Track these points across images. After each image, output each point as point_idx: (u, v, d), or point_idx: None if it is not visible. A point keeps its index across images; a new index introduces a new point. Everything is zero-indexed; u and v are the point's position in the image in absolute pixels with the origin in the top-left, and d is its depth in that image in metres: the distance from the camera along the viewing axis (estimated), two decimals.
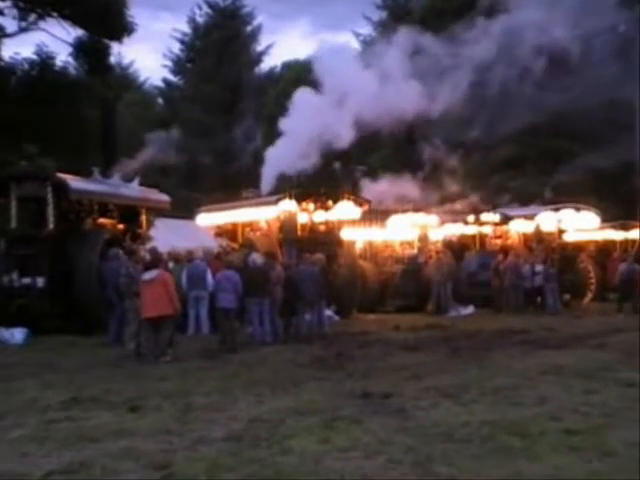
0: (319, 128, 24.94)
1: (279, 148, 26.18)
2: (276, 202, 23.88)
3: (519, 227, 29.87)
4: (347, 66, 26.24)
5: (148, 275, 14.99)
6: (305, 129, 25.14)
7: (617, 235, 32.28)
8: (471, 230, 30.00)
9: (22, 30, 32.08)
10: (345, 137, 25.43)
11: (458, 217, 30.27)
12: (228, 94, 51.91)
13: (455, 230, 30.23)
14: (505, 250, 27.37)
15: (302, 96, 26.28)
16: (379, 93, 25.12)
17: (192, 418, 9.43)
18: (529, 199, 33.94)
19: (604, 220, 31.04)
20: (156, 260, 16.09)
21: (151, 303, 14.71)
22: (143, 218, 23.50)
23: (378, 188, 30.19)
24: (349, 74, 25.71)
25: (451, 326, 20.65)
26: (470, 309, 25.79)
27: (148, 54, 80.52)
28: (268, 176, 26.34)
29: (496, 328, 19.52)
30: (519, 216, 29.67)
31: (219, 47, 54.06)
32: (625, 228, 32.29)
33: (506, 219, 29.70)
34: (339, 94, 25.33)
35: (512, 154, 41.25)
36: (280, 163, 25.75)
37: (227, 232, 25.90)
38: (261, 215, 24.86)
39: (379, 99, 24.86)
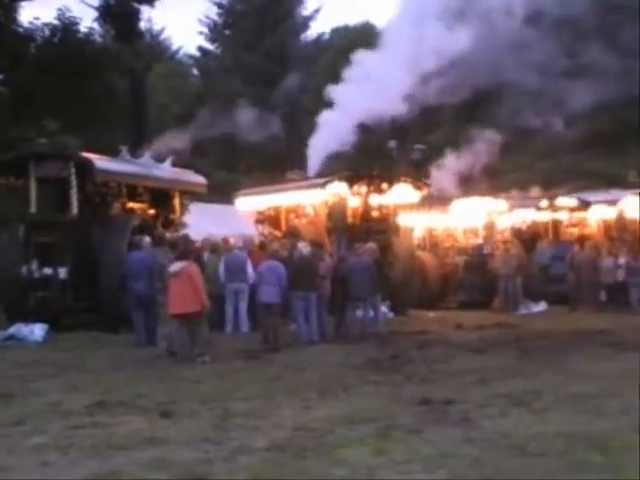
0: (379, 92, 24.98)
1: (331, 121, 26.18)
2: (324, 185, 23.81)
3: (599, 214, 29.52)
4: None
5: (174, 267, 15.11)
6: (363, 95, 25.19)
7: None
8: (544, 217, 29.70)
9: None
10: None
11: (529, 202, 29.98)
12: (271, 64, 51.93)
13: (526, 217, 29.95)
14: (582, 240, 27.04)
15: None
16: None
17: (231, 425, 9.48)
18: (610, 182, 33.57)
19: None
20: (185, 250, 16.19)
21: (177, 298, 14.84)
22: (176, 202, 23.66)
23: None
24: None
25: (521, 325, 20.48)
26: (542, 306, 25.54)
27: (182, 19, 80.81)
28: (316, 154, 26.36)
29: (573, 328, 19.30)
30: (599, 201, 29.31)
31: (261, 11, 54.09)
32: None
33: (584, 205, 29.36)
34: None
35: (589, 130, 40.71)
36: (331, 139, 25.80)
37: (269, 218, 25.89)
38: (307, 200, 24.82)
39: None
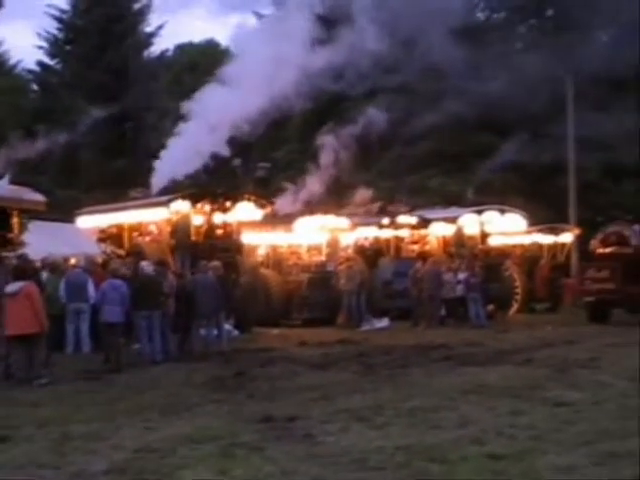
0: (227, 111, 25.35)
1: (178, 142, 26.29)
2: (167, 203, 23.67)
3: (439, 231, 30.19)
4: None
5: (11, 288, 14.72)
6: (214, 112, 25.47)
7: (545, 239, 32.91)
8: (386, 234, 30.17)
9: None
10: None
11: (371, 220, 30.42)
12: (114, 81, 51.18)
13: (368, 234, 30.37)
14: (423, 256, 27.60)
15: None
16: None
17: (69, 449, 9.26)
18: (449, 200, 34.42)
19: (531, 223, 31.66)
20: (21, 270, 15.79)
21: (14, 320, 14.45)
22: (15, 221, 22.97)
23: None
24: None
25: (364, 341, 20.75)
26: (385, 322, 25.91)
27: (20, 33, 78.67)
28: (161, 173, 26.25)
29: (414, 343, 19.72)
30: (438, 219, 29.99)
31: (102, 27, 53.26)
32: (554, 232, 32.95)
33: (424, 222, 29.97)
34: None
35: (430, 150, 41.71)
36: (178, 160, 25.86)
37: (112, 237, 25.53)
38: (150, 217, 24.60)
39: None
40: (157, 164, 27.10)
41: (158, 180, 26.55)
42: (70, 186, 45.05)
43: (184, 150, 26.13)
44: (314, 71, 26.52)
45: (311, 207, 29.85)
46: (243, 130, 27.24)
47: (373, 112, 32.81)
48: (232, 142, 27.62)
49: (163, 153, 27.03)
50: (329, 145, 32.52)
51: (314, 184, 31.84)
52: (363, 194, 32.91)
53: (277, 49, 26.19)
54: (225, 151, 27.03)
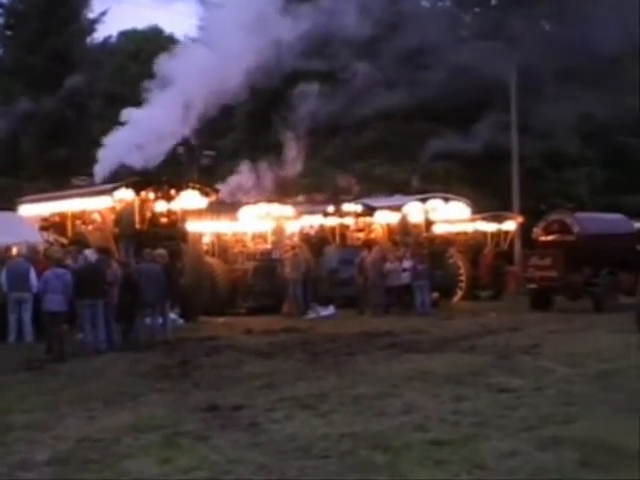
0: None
1: (122, 132, 26.14)
2: (111, 191, 23.48)
3: (384, 219, 30.26)
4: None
5: None
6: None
7: (489, 227, 33.16)
8: (331, 222, 30.15)
9: None
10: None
11: (316, 208, 30.41)
12: (57, 67, 50.59)
13: (313, 222, 30.33)
14: (369, 244, 27.65)
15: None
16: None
17: (11, 439, 9.19)
18: (394, 188, 34.58)
19: (475, 211, 31.90)
20: None
21: None
22: None
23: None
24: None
25: (309, 329, 20.78)
26: (331, 310, 25.95)
27: None
28: (106, 161, 26.04)
29: (359, 331, 19.79)
30: (383, 207, 30.06)
31: (44, 12, 52.63)
32: (498, 220, 33.22)
33: (369, 210, 30.02)
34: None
35: (375, 138, 41.78)
36: (124, 147, 25.73)
37: (54, 225, 25.28)
38: (94, 206, 24.39)
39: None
40: (102, 151, 26.84)
41: (100, 167, 26.35)
42: (12, 174, 44.52)
43: (151, 131, 25.95)
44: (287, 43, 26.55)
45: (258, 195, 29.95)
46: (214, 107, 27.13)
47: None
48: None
49: (107, 142, 26.80)
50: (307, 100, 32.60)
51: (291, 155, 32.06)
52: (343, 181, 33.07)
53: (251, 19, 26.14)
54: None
